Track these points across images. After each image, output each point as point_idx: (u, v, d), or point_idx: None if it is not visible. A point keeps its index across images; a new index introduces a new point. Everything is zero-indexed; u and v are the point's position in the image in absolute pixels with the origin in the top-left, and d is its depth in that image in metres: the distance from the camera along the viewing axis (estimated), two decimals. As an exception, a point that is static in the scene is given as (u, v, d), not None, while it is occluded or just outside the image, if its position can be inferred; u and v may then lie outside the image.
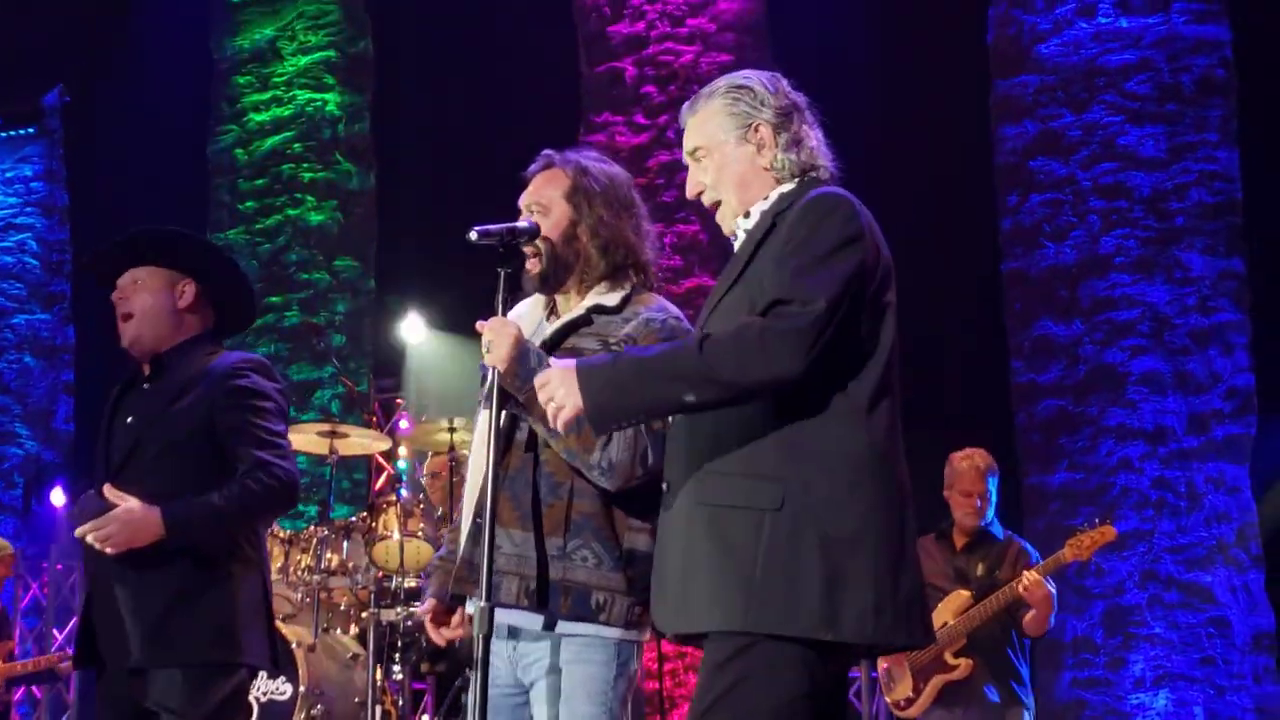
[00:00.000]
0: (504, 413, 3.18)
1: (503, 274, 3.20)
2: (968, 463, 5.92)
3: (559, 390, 2.83)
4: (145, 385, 3.87)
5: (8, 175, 11.32)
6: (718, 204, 3.07)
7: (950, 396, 8.38)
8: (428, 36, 10.40)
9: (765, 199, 3.02)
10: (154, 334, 3.85)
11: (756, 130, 3.03)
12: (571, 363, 2.88)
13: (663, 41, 9.60)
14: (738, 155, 3.03)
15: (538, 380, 2.89)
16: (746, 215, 3.03)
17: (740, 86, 3.07)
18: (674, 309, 3.36)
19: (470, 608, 3.24)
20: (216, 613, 3.67)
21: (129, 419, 3.81)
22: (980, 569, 5.90)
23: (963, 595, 5.85)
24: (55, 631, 9.98)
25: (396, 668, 6.87)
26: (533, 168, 3.46)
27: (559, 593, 3.15)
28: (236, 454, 3.71)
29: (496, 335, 3.14)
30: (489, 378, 3.16)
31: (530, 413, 3.15)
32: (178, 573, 3.65)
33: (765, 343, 2.71)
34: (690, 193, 3.12)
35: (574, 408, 2.81)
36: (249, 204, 10.92)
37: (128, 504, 3.60)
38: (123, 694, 3.72)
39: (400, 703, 6.87)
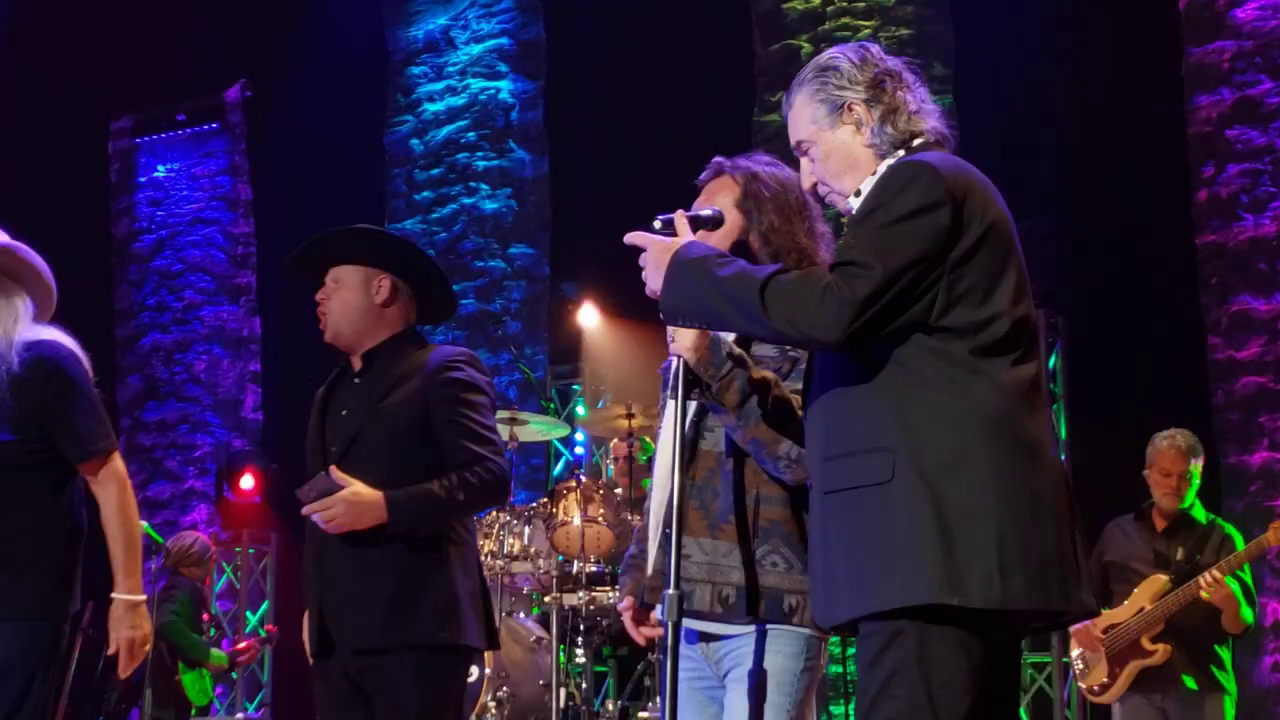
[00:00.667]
0: (690, 410, 3.16)
1: None
2: (1168, 442, 5.73)
3: (651, 263, 2.96)
4: (356, 380, 3.96)
5: (194, 171, 11.60)
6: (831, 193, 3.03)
7: (1144, 374, 8.13)
8: (599, 20, 10.39)
9: (873, 174, 2.94)
10: (352, 329, 3.95)
11: (850, 109, 2.96)
12: (680, 241, 2.96)
13: (839, 17, 9.44)
14: (837, 140, 2.98)
15: (637, 238, 3.00)
16: (858, 194, 2.96)
17: (825, 68, 3.01)
18: None
19: (660, 614, 3.27)
20: (439, 596, 3.77)
21: (344, 412, 3.92)
22: (1180, 553, 5.71)
23: (1161, 580, 5.67)
24: (248, 614, 10.22)
25: (579, 651, 6.90)
26: (703, 176, 3.44)
27: (752, 599, 3.17)
28: (452, 446, 3.81)
29: None
30: (674, 368, 3.11)
31: (720, 399, 3.12)
32: (401, 558, 3.77)
33: (823, 302, 2.71)
34: (805, 186, 3.09)
35: (651, 291, 2.94)
36: (425, 193, 11.03)
37: (354, 487, 3.71)
38: (345, 676, 3.82)
39: (583, 686, 6.89)
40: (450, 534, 3.84)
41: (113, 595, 3.88)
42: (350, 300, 3.95)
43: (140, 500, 10.49)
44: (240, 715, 8.60)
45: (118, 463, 3.96)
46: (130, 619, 3.85)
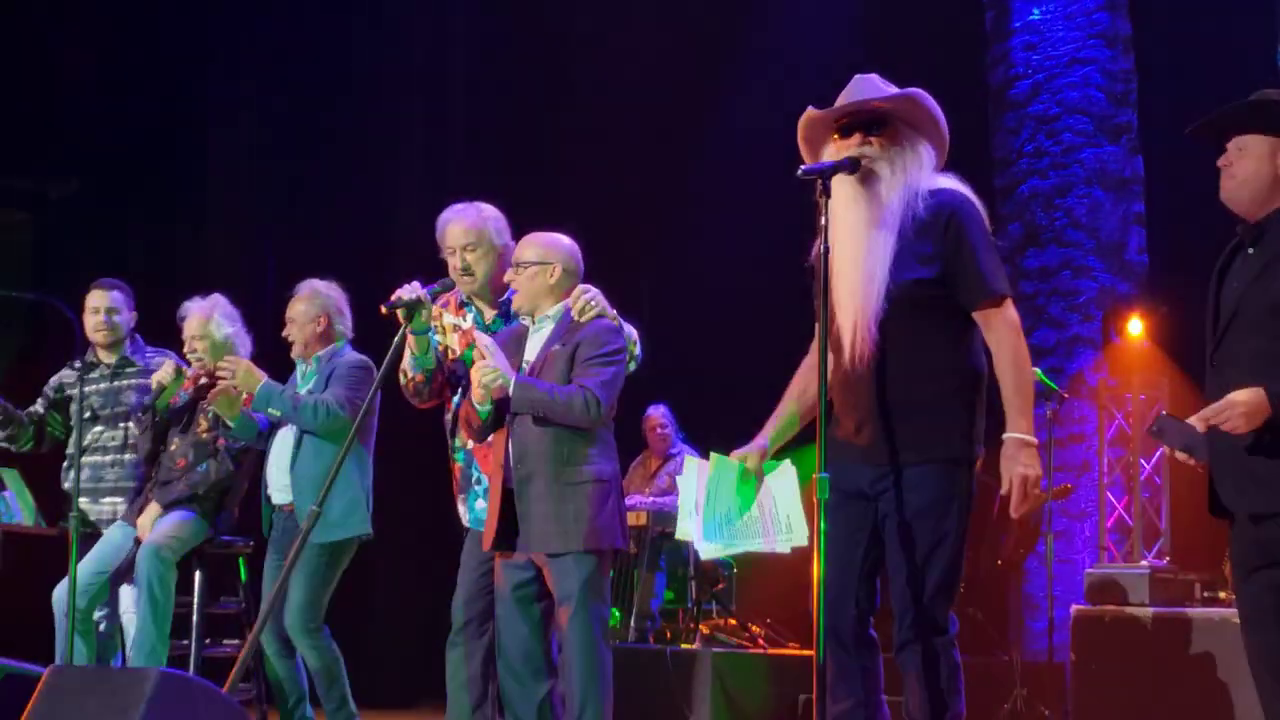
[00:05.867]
0: None
1: None
2: None
3: None
4: (1250, 251, 4.01)
5: (1069, 10, 11.26)
6: None
7: None
8: None
9: None
10: (1251, 198, 3.99)
11: None
12: None
13: None
14: None
15: None
16: None
17: None
18: None
19: None
20: None
21: (1235, 284, 4.01)
22: None
23: None
24: (1142, 463, 9.97)
25: None
26: None
27: None
28: None
29: None
30: None
31: None
32: None
33: None
34: None
35: None
36: (1325, 10, 9.99)
37: (1234, 395, 3.83)
38: (1250, 537, 3.98)
39: None
40: None
41: (1006, 434, 3.99)
42: (1251, 169, 3.97)
43: (1026, 347, 10.54)
44: (1145, 561, 8.44)
45: (1011, 309, 4.08)
46: (1023, 456, 3.96)
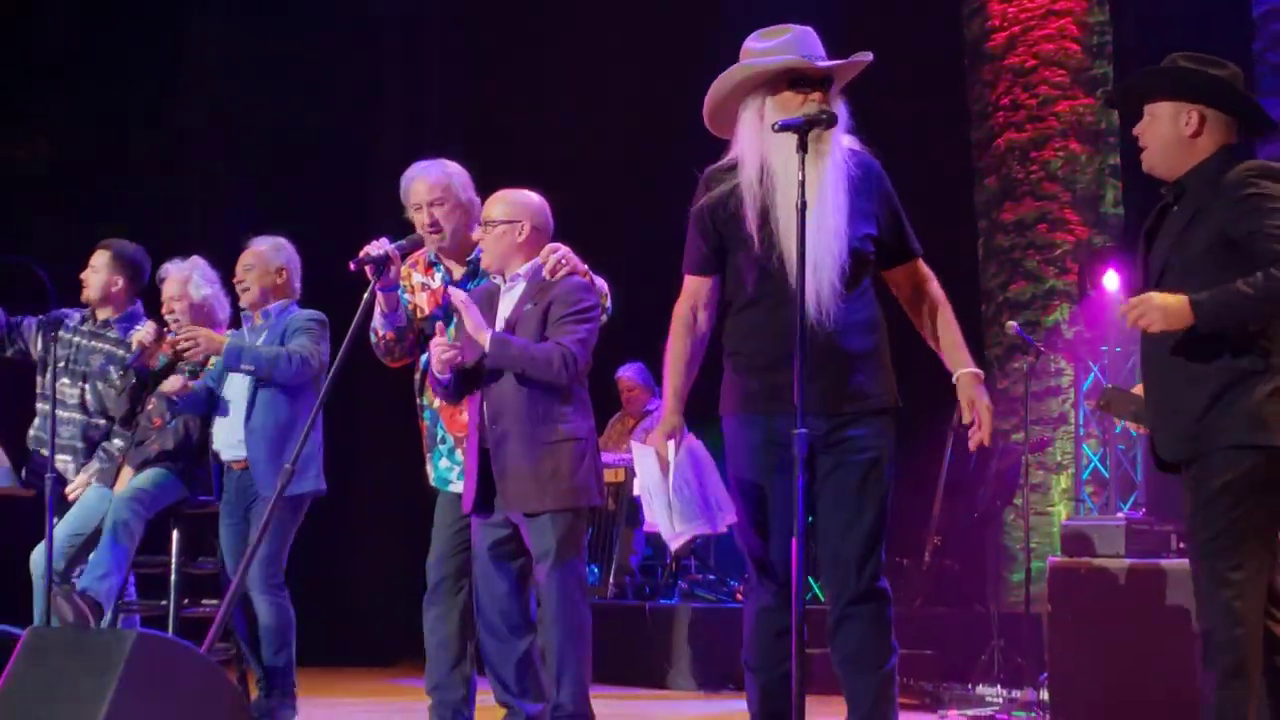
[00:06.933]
0: None
1: None
2: None
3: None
4: (1175, 209, 4.18)
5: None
6: None
7: None
8: None
9: None
10: (1165, 162, 4.19)
11: None
12: None
13: None
14: None
15: None
16: None
17: None
18: None
19: None
20: (1249, 403, 3.98)
21: (1164, 242, 4.18)
22: None
23: None
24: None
25: None
26: None
27: None
28: (1256, 258, 3.93)
29: None
30: None
31: None
32: (1218, 368, 4.03)
33: None
34: None
35: None
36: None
37: (1155, 293, 4.02)
38: (1186, 485, 4.15)
39: None
40: (1268, 345, 4.02)
41: (965, 370, 4.24)
42: (1160, 134, 4.18)
43: (1000, 301, 10.56)
44: (1121, 513, 8.48)
45: None
46: (983, 388, 4.21)
